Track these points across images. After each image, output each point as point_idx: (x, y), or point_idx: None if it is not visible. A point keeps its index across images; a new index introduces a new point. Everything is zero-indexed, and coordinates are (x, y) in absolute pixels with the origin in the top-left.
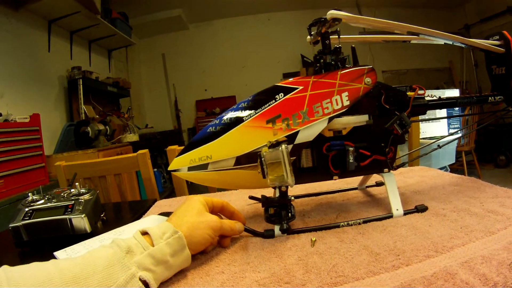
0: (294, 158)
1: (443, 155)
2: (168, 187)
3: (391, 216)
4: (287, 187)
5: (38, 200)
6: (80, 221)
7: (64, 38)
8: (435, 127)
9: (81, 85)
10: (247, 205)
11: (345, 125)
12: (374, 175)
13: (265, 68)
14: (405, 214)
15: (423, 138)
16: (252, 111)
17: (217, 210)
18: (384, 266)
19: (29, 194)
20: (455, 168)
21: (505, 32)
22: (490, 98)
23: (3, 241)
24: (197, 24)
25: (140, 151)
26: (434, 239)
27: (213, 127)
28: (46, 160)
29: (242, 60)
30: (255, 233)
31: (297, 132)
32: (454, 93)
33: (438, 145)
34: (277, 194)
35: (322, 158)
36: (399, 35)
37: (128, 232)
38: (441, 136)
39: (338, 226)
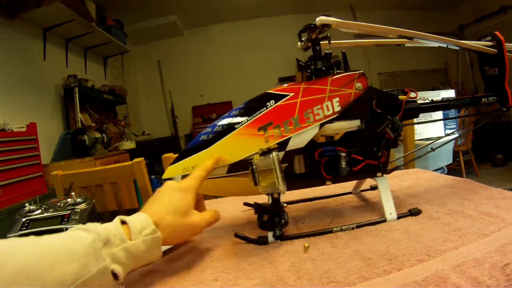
0: (286, 164)
1: (440, 156)
2: None
3: (385, 220)
4: (279, 194)
5: (35, 210)
6: None
7: (59, 46)
8: (432, 128)
9: (76, 93)
10: (242, 212)
11: (337, 131)
12: (369, 178)
13: (261, 73)
14: (398, 218)
15: (420, 140)
16: (244, 118)
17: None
18: (376, 271)
19: (26, 204)
20: (452, 168)
21: (497, 32)
22: (483, 99)
23: None
24: (192, 30)
25: (135, 160)
26: (427, 243)
27: (206, 135)
28: (43, 169)
29: (238, 65)
30: (249, 240)
31: (288, 139)
32: (450, 93)
33: (432, 148)
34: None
35: (315, 164)
36: (392, 39)
37: None
38: (438, 137)
39: (331, 232)
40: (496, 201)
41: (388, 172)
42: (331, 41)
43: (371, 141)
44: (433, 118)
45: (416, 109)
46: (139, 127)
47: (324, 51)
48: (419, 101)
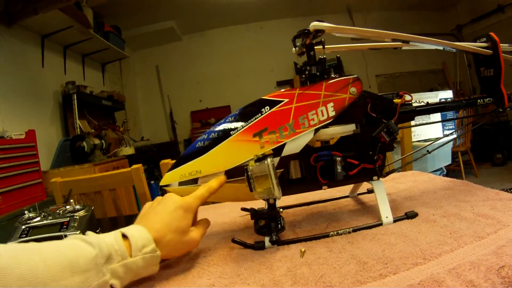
0: (282, 170)
1: (439, 157)
2: None
3: (381, 224)
4: (275, 199)
5: (34, 218)
6: None
7: (57, 53)
8: (430, 129)
9: (75, 100)
10: (240, 217)
11: (332, 136)
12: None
13: (259, 77)
14: (394, 221)
15: (418, 141)
16: (239, 125)
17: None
18: (371, 275)
19: (25, 211)
20: (452, 169)
21: (492, 33)
22: (479, 100)
23: None
24: (190, 35)
25: (134, 166)
26: (423, 246)
27: (202, 142)
28: (43, 175)
29: (236, 69)
30: (246, 245)
31: (284, 145)
32: (448, 94)
33: (428, 151)
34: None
35: (311, 169)
36: (388, 43)
37: None
38: (436, 138)
39: (327, 236)
40: (493, 203)
41: (384, 176)
42: (325, 46)
43: (367, 145)
44: (431, 120)
45: (411, 112)
46: (138, 133)
47: (319, 56)
48: (415, 104)
